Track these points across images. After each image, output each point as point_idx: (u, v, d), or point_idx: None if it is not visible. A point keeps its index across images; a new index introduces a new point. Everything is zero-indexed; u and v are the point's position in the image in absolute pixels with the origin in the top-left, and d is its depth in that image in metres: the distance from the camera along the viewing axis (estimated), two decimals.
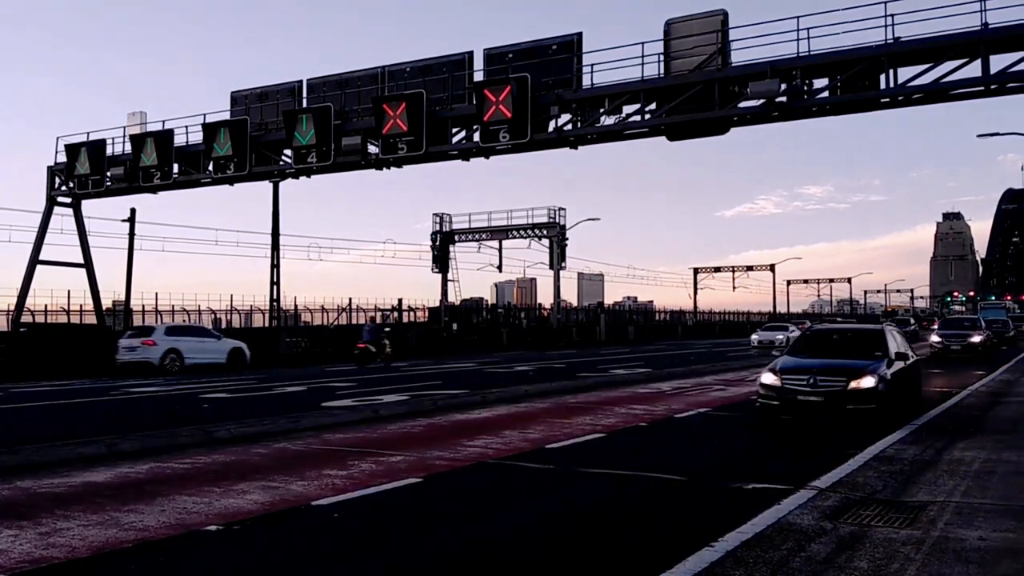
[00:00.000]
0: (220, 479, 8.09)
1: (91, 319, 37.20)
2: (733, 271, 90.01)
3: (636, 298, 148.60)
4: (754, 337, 45.47)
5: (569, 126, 25.78)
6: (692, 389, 18.65)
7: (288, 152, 28.99)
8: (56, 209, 34.34)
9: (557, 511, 7.11)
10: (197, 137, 30.40)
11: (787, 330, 43.65)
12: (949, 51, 21.36)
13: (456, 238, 53.50)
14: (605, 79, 25.01)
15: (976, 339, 29.79)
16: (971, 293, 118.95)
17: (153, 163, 30.52)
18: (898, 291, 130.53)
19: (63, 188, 33.72)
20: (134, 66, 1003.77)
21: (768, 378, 11.96)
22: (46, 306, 40.26)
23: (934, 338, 30.56)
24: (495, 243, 54.61)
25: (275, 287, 35.77)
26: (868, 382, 11.26)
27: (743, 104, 23.63)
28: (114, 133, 32.71)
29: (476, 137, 26.49)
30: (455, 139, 27.22)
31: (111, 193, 33.08)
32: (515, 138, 24.94)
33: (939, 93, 22.03)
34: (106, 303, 38.02)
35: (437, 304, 52.00)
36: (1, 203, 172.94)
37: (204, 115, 30.46)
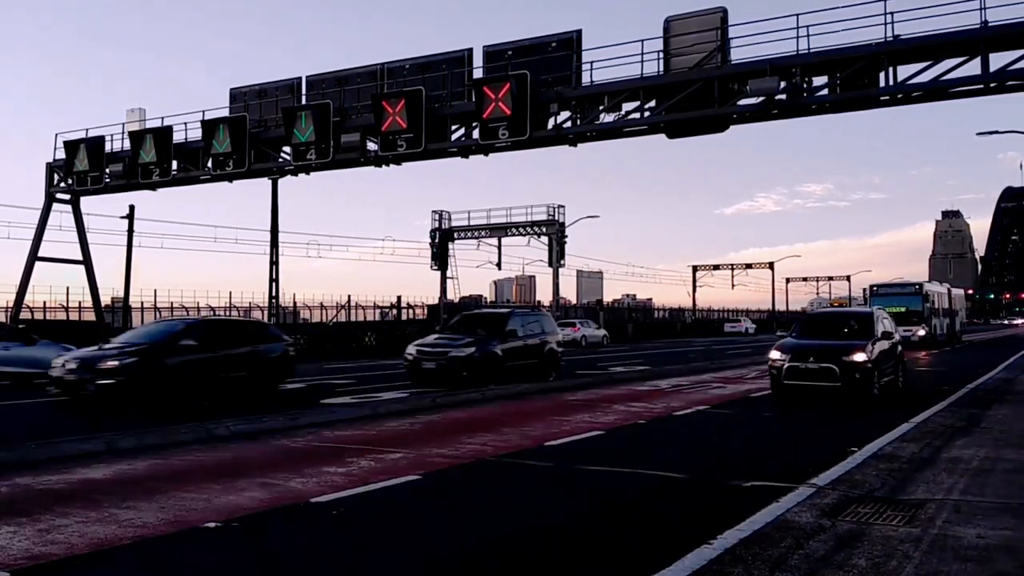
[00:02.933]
0: (219, 476, 8.09)
1: (90, 316, 37.16)
2: (732, 269, 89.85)
3: (635, 295, 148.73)
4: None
5: (568, 124, 25.73)
6: (691, 387, 18.65)
7: (287, 149, 28.92)
8: (55, 206, 34.27)
9: (556, 508, 7.12)
10: (196, 134, 30.34)
11: None
12: (949, 49, 21.31)
13: (455, 235, 53.42)
14: (605, 76, 24.94)
15: None
16: (970, 291, 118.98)
17: (152, 160, 30.45)
18: None
19: (62, 185, 33.67)
20: (133, 63, 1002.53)
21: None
22: (45, 303, 40.26)
23: None
24: (494, 240, 54.53)
25: (274, 284, 35.76)
26: None
27: (743, 102, 23.57)
28: (113, 130, 32.63)
29: (475, 134, 26.42)
30: (454, 136, 27.16)
31: (110, 190, 33.02)
32: (514, 135, 24.87)
33: (938, 91, 21.99)
34: (105, 300, 38.03)
35: (436, 301, 51.95)
36: (0, 200, 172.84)
37: (203, 112, 30.38)
